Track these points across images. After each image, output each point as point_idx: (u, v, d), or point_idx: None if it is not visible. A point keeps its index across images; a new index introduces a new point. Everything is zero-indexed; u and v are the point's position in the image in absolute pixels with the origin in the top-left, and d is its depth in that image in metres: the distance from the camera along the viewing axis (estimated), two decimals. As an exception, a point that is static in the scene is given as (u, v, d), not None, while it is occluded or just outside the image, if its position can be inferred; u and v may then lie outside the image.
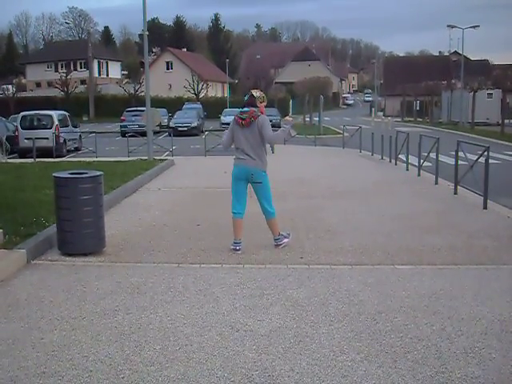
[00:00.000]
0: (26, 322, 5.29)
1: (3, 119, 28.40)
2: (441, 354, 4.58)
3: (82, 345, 4.78)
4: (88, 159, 20.28)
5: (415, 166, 16.33)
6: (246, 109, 7.68)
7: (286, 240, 7.98)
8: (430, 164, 15.73)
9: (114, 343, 4.81)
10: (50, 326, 5.20)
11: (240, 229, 7.88)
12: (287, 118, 8.21)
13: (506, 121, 39.72)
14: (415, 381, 4.15)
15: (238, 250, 7.75)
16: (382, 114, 66.52)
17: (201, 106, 49.49)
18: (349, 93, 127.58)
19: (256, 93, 7.86)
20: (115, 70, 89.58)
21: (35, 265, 7.21)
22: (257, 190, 7.84)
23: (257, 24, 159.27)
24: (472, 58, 67.74)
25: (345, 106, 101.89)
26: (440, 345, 4.75)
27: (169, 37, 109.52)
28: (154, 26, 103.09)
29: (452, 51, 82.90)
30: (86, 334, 5.02)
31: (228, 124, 34.15)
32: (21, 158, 22.92)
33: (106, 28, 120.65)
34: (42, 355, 4.59)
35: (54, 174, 7.67)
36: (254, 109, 7.64)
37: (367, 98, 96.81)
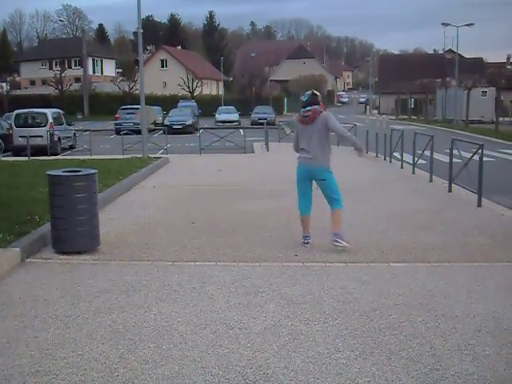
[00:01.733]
0: (20, 320, 5.28)
1: (-3, 117, 28.33)
2: (435, 351, 4.59)
3: (77, 343, 4.78)
4: (82, 157, 20.26)
5: (410, 163, 16.35)
6: (308, 107, 7.64)
7: (343, 243, 7.60)
8: (425, 162, 15.75)
9: (108, 341, 4.81)
10: (44, 324, 5.19)
11: (308, 224, 7.97)
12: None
13: (501, 119, 39.85)
14: (409, 378, 4.16)
15: (307, 243, 7.90)
16: (376, 111, 66.58)
17: (195, 103, 49.48)
18: (343, 91, 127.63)
19: (317, 92, 7.87)
20: (110, 68, 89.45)
21: (29, 263, 7.20)
22: (321, 186, 7.82)
23: (251, 22, 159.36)
24: (466, 56, 67.74)
25: (339, 104, 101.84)
26: (434, 342, 4.76)
27: (163, 35, 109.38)
28: (148, 24, 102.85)
29: (446, 49, 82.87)
30: (80, 332, 5.01)
31: (222, 122, 34.23)
32: (15, 156, 22.86)
33: (101, 26, 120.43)
34: (37, 354, 4.58)
35: (48, 172, 7.65)
36: (316, 106, 7.61)
37: (362, 100, 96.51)
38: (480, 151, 11.07)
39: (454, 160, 12.65)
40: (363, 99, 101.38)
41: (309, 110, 7.60)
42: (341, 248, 7.57)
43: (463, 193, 12.06)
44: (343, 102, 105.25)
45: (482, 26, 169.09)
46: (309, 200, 7.92)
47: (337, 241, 7.61)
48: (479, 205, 10.77)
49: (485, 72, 46.14)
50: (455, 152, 12.68)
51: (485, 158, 11.34)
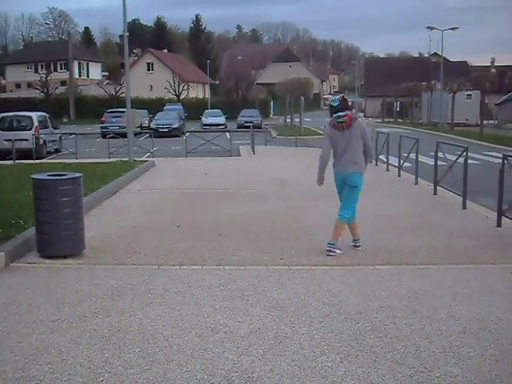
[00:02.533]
0: (3, 325, 5.24)
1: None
2: (420, 353, 4.61)
3: (61, 348, 4.75)
4: (68, 161, 20.15)
5: (395, 166, 16.42)
6: (340, 113, 7.49)
7: (338, 251, 7.68)
8: (410, 164, 15.81)
9: (93, 346, 4.78)
10: (28, 329, 5.16)
11: (356, 229, 8.00)
12: None
13: (485, 121, 40.10)
14: (395, 380, 4.17)
15: (359, 246, 7.96)
16: (362, 114, 66.85)
17: (182, 107, 49.45)
18: (330, 94, 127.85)
19: (346, 97, 7.81)
20: (96, 71, 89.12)
21: (14, 268, 7.15)
22: (347, 193, 7.72)
23: (238, 25, 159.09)
24: (451, 60, 68.10)
25: (326, 107, 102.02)
26: (419, 344, 4.78)
27: (150, 38, 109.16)
28: (134, 27, 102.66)
29: (432, 53, 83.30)
30: (64, 337, 4.98)
31: (208, 125, 34.10)
32: (0, 159, 22.69)
33: (87, 29, 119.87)
34: (20, 359, 4.55)
35: (32, 176, 7.61)
36: (349, 112, 7.52)
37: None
38: (465, 154, 11.15)
39: (439, 163, 12.72)
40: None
41: (343, 116, 7.46)
42: (334, 254, 7.62)
43: (448, 195, 12.12)
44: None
45: (466, 29, 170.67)
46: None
47: (330, 250, 7.66)
48: (464, 207, 10.83)
49: (469, 75, 46.54)
50: (440, 155, 12.75)
51: (469, 161, 11.40)
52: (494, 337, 4.92)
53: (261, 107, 57.87)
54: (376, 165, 18.49)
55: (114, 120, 36.88)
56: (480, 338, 4.89)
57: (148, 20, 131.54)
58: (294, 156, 22.68)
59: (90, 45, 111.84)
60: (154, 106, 52.34)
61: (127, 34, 20.33)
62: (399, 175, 15.77)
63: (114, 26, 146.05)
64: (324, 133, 7.92)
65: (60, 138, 27.29)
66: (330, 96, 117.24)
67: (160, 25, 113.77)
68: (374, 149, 18.80)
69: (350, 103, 7.75)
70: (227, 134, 29.00)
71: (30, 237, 7.88)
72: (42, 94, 61.90)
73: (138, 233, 8.99)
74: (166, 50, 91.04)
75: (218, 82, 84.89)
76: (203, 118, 46.14)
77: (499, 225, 9.29)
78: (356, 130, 7.51)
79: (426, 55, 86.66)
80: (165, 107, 48.22)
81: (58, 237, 7.40)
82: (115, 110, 40.16)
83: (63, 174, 7.70)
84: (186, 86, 65.70)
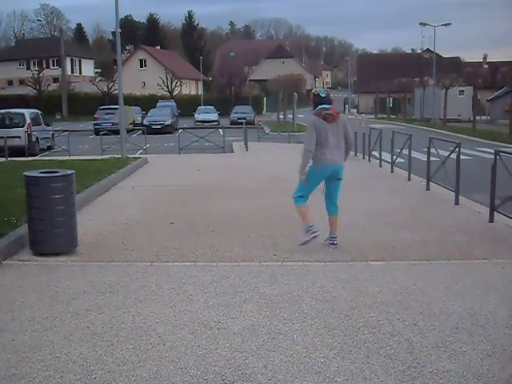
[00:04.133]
0: (-4, 323, 5.23)
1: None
2: (413, 348, 4.63)
3: (54, 345, 4.74)
4: (61, 158, 20.13)
5: (388, 162, 16.45)
6: (326, 105, 7.53)
7: (337, 242, 7.85)
8: (403, 160, 15.85)
9: (86, 343, 4.78)
10: (21, 327, 5.15)
11: (337, 226, 7.94)
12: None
13: (477, 117, 40.20)
14: (387, 376, 4.18)
15: (336, 244, 7.84)
16: (355, 111, 66.80)
17: (175, 103, 49.33)
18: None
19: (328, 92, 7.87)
20: (88, 68, 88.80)
21: (6, 265, 7.13)
22: (335, 187, 7.86)
23: (230, 21, 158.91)
24: (444, 56, 68.30)
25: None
26: (412, 340, 4.79)
27: (142, 34, 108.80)
28: (127, 24, 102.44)
29: (424, 49, 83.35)
30: (57, 334, 4.97)
31: (201, 122, 33.97)
32: (-8, 157, 22.63)
33: (79, 25, 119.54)
34: (13, 357, 4.54)
35: (25, 173, 7.59)
36: (332, 106, 7.60)
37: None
38: (457, 150, 11.17)
39: (432, 159, 12.74)
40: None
41: (330, 108, 7.53)
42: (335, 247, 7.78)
43: (441, 191, 12.15)
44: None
45: (458, 25, 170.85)
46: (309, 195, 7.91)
47: (335, 243, 7.82)
48: (457, 203, 10.86)
49: (462, 71, 46.47)
50: (433, 151, 12.78)
51: (462, 157, 11.44)
52: (486, 332, 4.94)
53: (254, 104, 57.77)
54: (369, 161, 18.53)
55: (106, 117, 36.75)
56: (472, 333, 4.91)
57: (140, 16, 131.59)
58: (287, 152, 22.67)
59: (83, 41, 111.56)
60: (147, 103, 52.21)
61: (120, 30, 20.31)
62: (392, 171, 15.79)
63: (106, 22, 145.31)
64: (309, 125, 7.61)
65: (53, 135, 27.22)
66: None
67: (152, 21, 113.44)
68: (367, 145, 18.90)
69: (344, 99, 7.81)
70: (220, 130, 28.98)
71: (23, 234, 7.86)
72: (35, 91, 61.63)
73: (131, 230, 8.98)
74: (158, 47, 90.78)
75: (210, 79, 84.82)
76: (196, 115, 46.07)
77: (492, 220, 9.31)
78: (340, 123, 7.61)
79: (419, 51, 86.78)
80: (158, 104, 48.14)
81: (50, 234, 7.38)
82: (108, 106, 40.02)
83: (56, 171, 7.67)
84: (178, 83, 65.53)
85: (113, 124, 33.14)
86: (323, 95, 7.61)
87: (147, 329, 5.07)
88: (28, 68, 77.06)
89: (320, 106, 7.53)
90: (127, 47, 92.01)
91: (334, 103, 7.83)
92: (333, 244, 7.83)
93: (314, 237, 7.62)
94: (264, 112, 66.67)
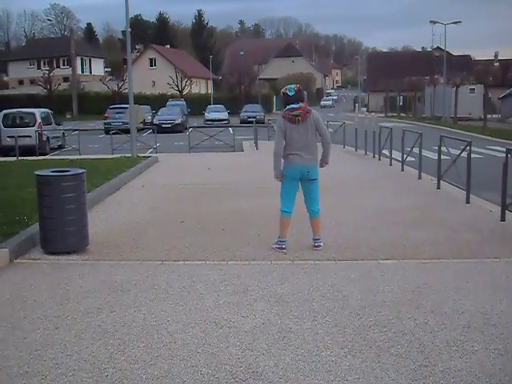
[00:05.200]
0: (8, 321, 5.26)
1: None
2: (424, 347, 4.61)
3: (66, 344, 4.76)
4: (71, 157, 20.19)
5: (398, 161, 16.39)
6: (295, 105, 7.27)
7: (322, 244, 7.67)
8: (414, 159, 15.80)
9: (97, 342, 4.80)
10: (32, 325, 5.17)
11: (288, 227, 7.68)
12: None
13: (488, 116, 40.04)
14: (398, 375, 4.17)
15: (284, 248, 7.56)
16: (365, 109, 66.74)
17: (184, 102, 49.41)
18: (332, 89, 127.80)
19: (300, 87, 7.54)
20: (98, 67, 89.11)
21: (18, 264, 7.17)
22: (309, 188, 7.56)
23: (240, 20, 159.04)
24: (454, 54, 67.93)
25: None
26: (423, 338, 4.78)
27: (152, 33, 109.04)
28: (137, 23, 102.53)
29: (435, 47, 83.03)
30: (69, 332, 4.99)
31: (211, 120, 34.00)
32: (3, 156, 22.67)
33: (89, 25, 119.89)
34: (25, 355, 4.56)
35: (36, 172, 7.62)
36: (303, 105, 7.30)
37: (324, 103, 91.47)
38: (468, 148, 11.12)
39: (443, 157, 12.70)
40: (335, 97, 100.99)
41: (297, 109, 7.25)
42: (321, 247, 7.62)
43: (452, 190, 12.11)
44: (333, 100, 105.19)
45: (469, 23, 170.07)
46: (294, 201, 7.65)
47: (319, 245, 7.65)
48: (467, 201, 10.81)
49: (473, 69, 46.34)
50: (443, 149, 12.73)
51: (473, 155, 11.39)
52: (497, 331, 4.92)
53: (263, 102, 57.75)
54: (379, 159, 18.48)
55: (116, 116, 36.87)
56: (484, 332, 4.89)
57: (150, 16, 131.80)
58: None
59: (93, 41, 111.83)
60: (157, 102, 52.33)
61: (129, 29, 20.36)
62: (402, 170, 15.74)
63: (116, 22, 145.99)
64: (276, 127, 7.61)
65: (63, 134, 27.32)
66: (332, 91, 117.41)
67: (162, 20, 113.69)
68: (377, 144, 18.85)
69: (305, 94, 7.53)
70: (230, 129, 29.03)
71: (34, 233, 7.90)
72: (45, 91, 61.90)
73: (142, 228, 9.00)
74: (168, 46, 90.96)
75: (220, 78, 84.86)
76: (206, 114, 46.09)
77: (503, 219, 9.27)
78: (311, 123, 7.29)
79: (429, 49, 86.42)
80: (168, 103, 48.21)
81: (61, 233, 7.41)
82: (118, 105, 40.16)
83: (67, 171, 7.70)
84: (188, 82, 65.61)
85: (123, 123, 33.25)
86: (291, 94, 7.31)
87: (158, 327, 5.08)
88: (38, 68, 77.38)
89: (288, 107, 7.32)
90: (137, 46, 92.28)
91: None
92: (316, 246, 7.63)
93: (278, 250, 7.56)
94: (274, 111, 66.64)
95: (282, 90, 7.51)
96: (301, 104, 7.30)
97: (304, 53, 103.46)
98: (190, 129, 26.87)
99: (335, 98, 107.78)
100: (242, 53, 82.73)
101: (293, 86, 7.51)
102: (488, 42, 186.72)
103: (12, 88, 75.57)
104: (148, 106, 45.55)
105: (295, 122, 7.25)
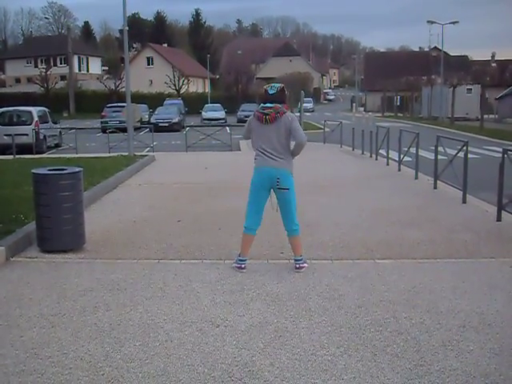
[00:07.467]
0: (4, 320, 5.25)
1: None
2: (420, 347, 4.62)
3: (62, 342, 4.76)
4: (68, 155, 20.18)
5: (395, 160, 16.42)
6: (269, 104, 6.63)
7: (306, 265, 6.82)
8: (410, 159, 15.81)
9: (93, 340, 4.80)
10: (29, 323, 5.17)
11: (249, 245, 6.88)
12: None
13: (485, 116, 40.08)
14: (394, 374, 4.18)
15: (244, 268, 6.77)
16: (362, 109, 66.75)
17: (182, 101, 49.42)
18: (330, 88, 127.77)
19: (285, 88, 6.85)
20: (95, 66, 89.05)
21: (14, 262, 7.16)
22: (282, 199, 6.80)
23: (238, 19, 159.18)
24: (451, 54, 67.98)
25: (326, 102, 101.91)
26: (419, 338, 4.79)
27: (149, 32, 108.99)
28: (134, 22, 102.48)
29: (432, 47, 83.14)
30: (65, 331, 4.99)
31: (208, 119, 33.95)
32: (0, 154, 22.68)
33: (86, 23, 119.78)
34: (21, 353, 4.56)
35: (32, 171, 7.61)
36: (278, 105, 6.60)
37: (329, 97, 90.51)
38: (465, 148, 11.15)
39: (439, 157, 12.72)
40: (332, 96, 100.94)
41: (270, 108, 6.59)
42: (304, 269, 6.77)
43: (448, 189, 12.13)
44: (329, 100, 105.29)
45: (466, 23, 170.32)
46: (260, 216, 6.89)
47: (301, 266, 6.78)
48: (464, 201, 10.84)
49: (470, 69, 46.40)
50: (440, 149, 12.75)
51: (469, 155, 11.40)
52: (493, 330, 4.93)
53: (261, 102, 57.77)
54: (376, 159, 18.49)
55: (114, 115, 36.84)
56: (479, 332, 4.90)
57: (148, 14, 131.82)
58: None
59: (90, 39, 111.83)
60: (154, 101, 52.38)
61: (127, 28, 20.32)
62: (399, 169, 15.77)
63: (113, 20, 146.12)
64: (247, 122, 6.99)
65: (60, 132, 27.32)
66: (330, 90, 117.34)
67: (160, 19, 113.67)
68: (374, 143, 18.86)
69: (287, 95, 6.89)
70: (227, 128, 28.97)
71: (31, 231, 7.89)
72: (42, 89, 61.90)
73: (139, 227, 9.00)
74: (165, 45, 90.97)
75: (218, 77, 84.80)
76: (203, 113, 46.09)
77: (499, 219, 9.29)
78: (280, 125, 6.56)
79: (427, 49, 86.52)
80: (165, 102, 48.22)
81: (58, 231, 7.41)
82: (115, 104, 40.11)
83: (63, 169, 7.70)
84: (185, 81, 65.64)
85: (120, 122, 33.23)
86: (271, 92, 6.66)
87: (155, 326, 5.08)
88: (35, 66, 77.38)
89: (262, 105, 6.77)
90: (134, 45, 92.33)
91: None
92: (298, 268, 6.76)
93: (237, 270, 6.79)
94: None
95: (265, 87, 6.97)
96: (276, 104, 6.61)
97: (301, 52, 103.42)
98: (187, 128, 26.86)
99: (332, 97, 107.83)
100: (239, 52, 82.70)
101: (277, 85, 6.85)
102: (485, 43, 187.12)
103: (9, 86, 75.54)
104: (145, 105, 45.51)
105: (263, 121, 6.61)
